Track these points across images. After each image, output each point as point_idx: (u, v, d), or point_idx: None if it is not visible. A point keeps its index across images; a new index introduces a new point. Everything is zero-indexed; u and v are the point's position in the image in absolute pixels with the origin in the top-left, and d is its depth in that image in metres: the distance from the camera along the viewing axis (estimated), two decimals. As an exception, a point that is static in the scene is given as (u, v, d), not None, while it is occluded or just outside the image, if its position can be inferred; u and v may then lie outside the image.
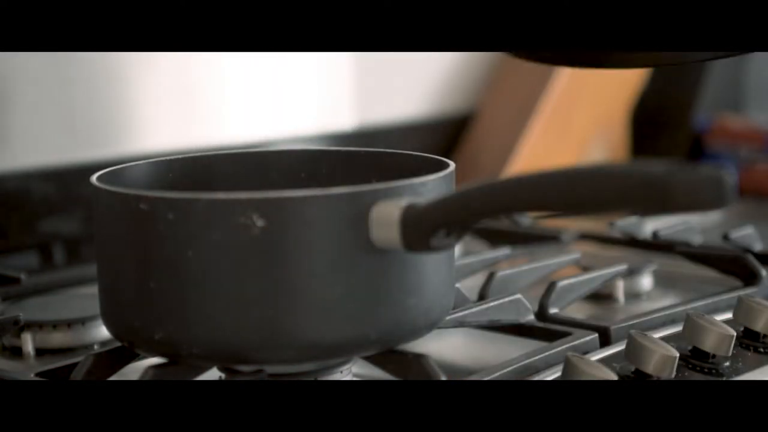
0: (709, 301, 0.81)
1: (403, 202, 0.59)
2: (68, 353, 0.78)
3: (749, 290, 0.83)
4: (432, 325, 0.65)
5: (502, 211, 0.65)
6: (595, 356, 0.71)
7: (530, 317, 0.78)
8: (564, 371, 0.65)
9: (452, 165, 0.65)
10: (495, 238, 1.03)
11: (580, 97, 1.38)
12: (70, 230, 1.08)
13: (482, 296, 0.81)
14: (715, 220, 1.15)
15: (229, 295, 0.59)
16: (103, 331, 0.79)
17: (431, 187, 0.62)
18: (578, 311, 0.84)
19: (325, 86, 1.23)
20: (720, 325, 0.71)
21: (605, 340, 0.74)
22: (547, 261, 0.88)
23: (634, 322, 0.76)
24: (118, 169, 0.69)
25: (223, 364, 0.64)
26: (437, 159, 0.68)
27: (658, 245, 0.99)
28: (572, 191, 0.55)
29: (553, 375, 0.68)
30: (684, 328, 0.72)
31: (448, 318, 0.69)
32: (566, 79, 1.34)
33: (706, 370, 0.70)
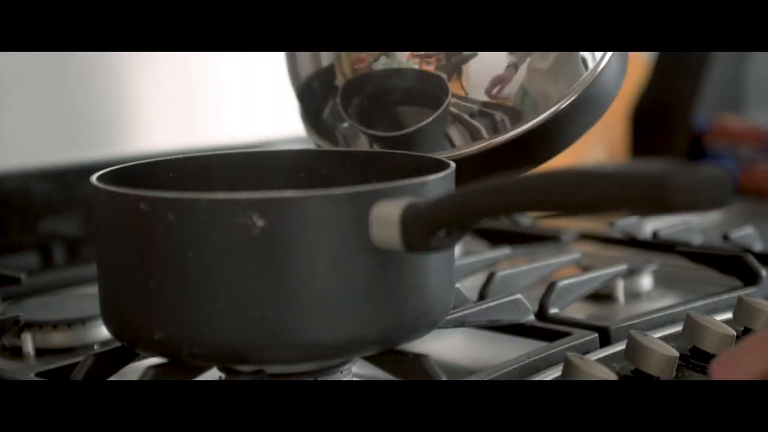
0: (709, 301, 0.81)
1: (403, 202, 0.59)
2: (68, 353, 0.78)
3: (749, 290, 0.83)
4: (432, 325, 0.65)
5: (502, 211, 0.65)
6: (595, 356, 0.71)
7: (530, 317, 0.78)
8: (564, 371, 0.65)
9: (452, 165, 0.65)
10: (495, 238, 1.03)
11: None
12: (70, 230, 1.08)
13: (482, 296, 0.81)
14: (715, 220, 1.15)
15: (229, 295, 0.59)
16: (103, 331, 0.79)
17: (431, 187, 0.62)
18: (578, 311, 0.85)
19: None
20: (720, 325, 0.71)
21: (605, 340, 0.74)
22: (547, 261, 0.88)
23: (634, 322, 0.76)
24: (118, 169, 0.69)
25: (223, 364, 0.64)
26: (437, 159, 0.68)
27: (658, 245, 0.99)
28: (572, 191, 0.55)
29: (553, 375, 0.68)
30: (684, 328, 0.72)
31: (448, 318, 0.69)
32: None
33: (706, 370, 0.70)
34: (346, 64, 0.75)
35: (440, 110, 0.74)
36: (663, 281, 0.95)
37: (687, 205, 0.52)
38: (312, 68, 0.79)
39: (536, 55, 0.74)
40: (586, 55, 0.75)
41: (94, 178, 0.65)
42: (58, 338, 0.80)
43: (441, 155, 0.72)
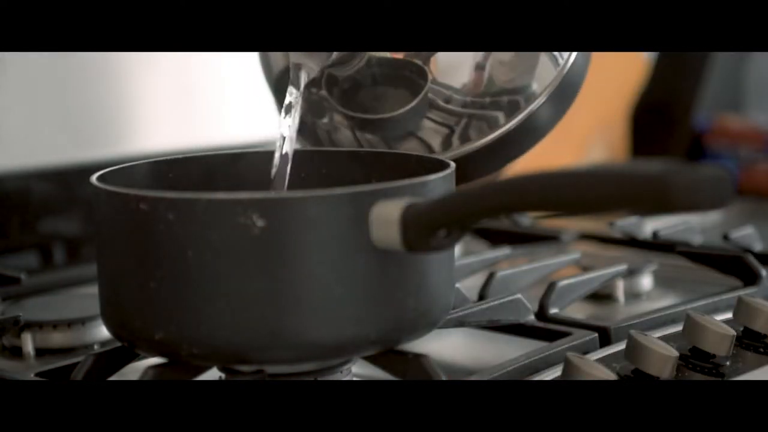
0: (709, 301, 0.81)
1: (403, 202, 0.59)
2: (68, 353, 0.78)
3: (749, 290, 0.83)
4: (432, 325, 0.65)
5: (502, 211, 0.65)
6: (595, 356, 0.71)
7: (530, 317, 0.78)
8: (564, 371, 0.65)
9: (452, 165, 0.65)
10: (495, 238, 1.03)
11: (580, 97, 1.38)
12: (70, 230, 1.08)
13: (482, 296, 0.81)
14: (715, 220, 1.15)
15: (229, 295, 0.59)
16: (103, 331, 0.79)
17: (431, 187, 0.62)
18: (578, 311, 0.85)
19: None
20: (720, 325, 0.71)
21: (605, 340, 0.74)
22: (547, 261, 0.88)
23: (634, 322, 0.76)
24: (118, 169, 0.69)
25: (223, 364, 0.64)
26: (437, 159, 0.68)
27: (658, 245, 0.99)
28: (572, 191, 0.55)
29: (553, 375, 0.68)
30: (684, 328, 0.72)
31: (448, 318, 0.69)
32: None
33: (706, 370, 0.70)
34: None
35: (420, 97, 0.74)
36: (663, 281, 0.94)
37: (687, 205, 0.52)
38: (285, 63, 0.79)
39: (508, 55, 0.74)
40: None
41: (94, 178, 0.65)
42: (58, 338, 0.80)
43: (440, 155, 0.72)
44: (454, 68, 0.74)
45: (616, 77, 1.44)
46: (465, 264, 0.88)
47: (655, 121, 1.53)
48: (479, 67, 0.74)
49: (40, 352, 0.79)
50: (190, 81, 1.15)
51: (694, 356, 0.71)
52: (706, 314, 0.73)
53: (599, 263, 0.89)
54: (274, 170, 0.71)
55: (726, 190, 0.53)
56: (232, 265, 0.59)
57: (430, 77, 0.74)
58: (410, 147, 0.76)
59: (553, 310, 0.79)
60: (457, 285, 0.75)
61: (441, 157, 0.72)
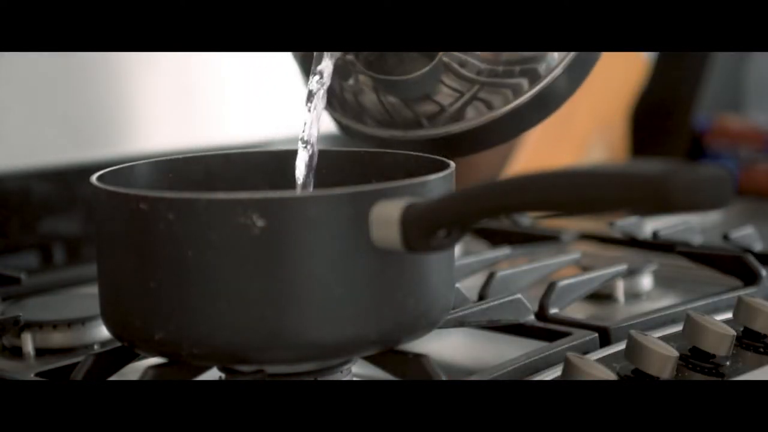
0: (709, 301, 0.81)
1: (403, 202, 0.59)
2: (68, 353, 0.78)
3: (749, 290, 0.83)
4: (432, 325, 0.65)
5: (502, 211, 0.65)
6: (595, 356, 0.71)
7: (530, 317, 0.78)
8: (564, 371, 0.65)
9: (452, 165, 0.65)
10: (495, 238, 1.03)
11: (580, 97, 1.38)
12: (70, 230, 1.08)
13: (482, 296, 0.81)
14: (715, 220, 1.15)
15: (229, 295, 0.59)
16: (103, 331, 0.79)
17: (431, 187, 0.62)
18: (578, 311, 0.85)
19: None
20: (720, 325, 0.71)
21: (605, 340, 0.74)
22: (547, 261, 0.88)
23: (634, 322, 0.76)
24: (118, 169, 0.69)
25: (223, 364, 0.64)
26: (437, 159, 0.68)
27: (658, 245, 0.99)
28: (572, 191, 0.55)
29: (553, 375, 0.68)
30: (684, 328, 0.72)
31: (448, 318, 0.69)
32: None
33: (706, 370, 0.70)
34: None
35: (436, 59, 0.74)
36: (663, 281, 0.94)
37: (687, 205, 0.52)
38: None
39: None
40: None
41: (94, 178, 0.65)
42: (58, 338, 0.80)
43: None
44: None
45: (616, 77, 1.44)
46: (465, 264, 0.88)
47: (655, 121, 1.53)
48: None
49: (40, 352, 0.79)
50: (190, 81, 1.15)
51: (694, 356, 0.71)
52: (706, 314, 0.73)
53: (599, 263, 0.89)
54: (302, 160, 0.72)
55: (726, 190, 0.53)
56: (232, 265, 0.59)
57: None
58: (429, 111, 0.76)
59: (553, 310, 0.79)
60: (457, 285, 0.75)
61: (456, 128, 0.72)
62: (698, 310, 0.75)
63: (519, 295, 0.77)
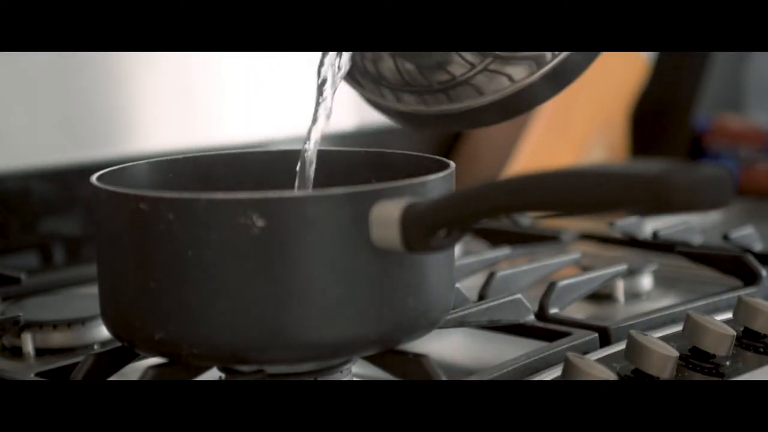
0: (709, 301, 0.81)
1: (403, 202, 0.59)
2: (68, 353, 0.78)
3: (749, 290, 0.83)
4: (432, 325, 0.65)
5: (502, 211, 0.65)
6: (595, 356, 0.71)
7: (530, 317, 0.78)
8: (564, 371, 0.65)
9: (452, 165, 0.65)
10: (495, 238, 1.03)
11: (580, 97, 1.38)
12: (70, 230, 1.08)
13: (482, 296, 0.81)
14: (715, 220, 1.15)
15: (229, 295, 0.59)
16: (103, 331, 0.79)
17: (431, 187, 0.62)
18: (578, 311, 0.85)
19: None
20: (720, 325, 0.71)
21: (605, 340, 0.74)
22: (547, 261, 0.88)
23: (634, 322, 0.76)
24: (118, 169, 0.69)
25: (223, 364, 0.64)
26: (437, 159, 0.68)
27: (658, 245, 0.99)
28: (572, 191, 0.55)
29: (553, 375, 0.68)
30: (684, 328, 0.72)
31: (448, 318, 0.69)
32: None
33: (706, 370, 0.70)
34: None
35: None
36: (663, 281, 0.95)
37: (687, 205, 0.52)
38: None
39: None
40: None
41: (94, 178, 0.65)
42: (58, 338, 0.80)
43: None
44: None
45: (616, 77, 1.44)
46: (465, 264, 0.88)
47: (655, 121, 1.53)
48: None
49: (40, 352, 0.79)
50: (190, 81, 1.15)
51: (694, 356, 0.71)
52: (706, 314, 0.73)
53: (599, 263, 0.89)
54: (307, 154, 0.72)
55: (726, 190, 0.53)
56: (232, 266, 0.59)
57: None
58: (443, 80, 0.76)
59: (553, 310, 0.79)
60: (457, 285, 0.75)
61: (478, 101, 0.72)
62: (698, 310, 0.75)
63: (519, 295, 0.77)
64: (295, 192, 0.60)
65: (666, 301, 0.90)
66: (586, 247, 1.02)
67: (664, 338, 0.71)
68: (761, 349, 0.74)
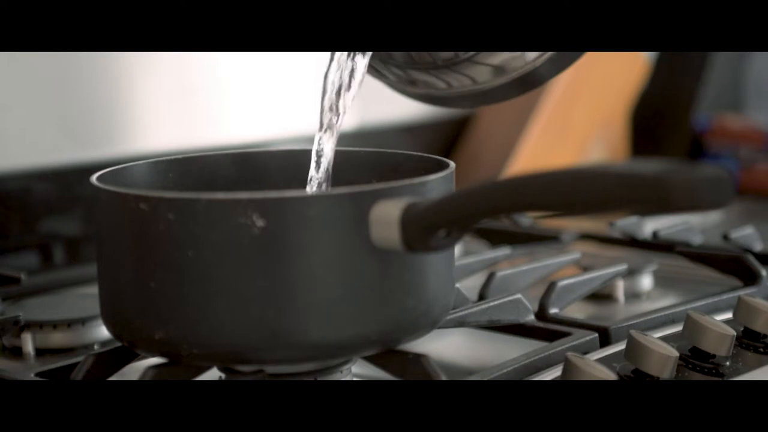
0: (709, 301, 0.81)
1: (403, 202, 0.59)
2: (68, 353, 0.78)
3: (749, 290, 0.83)
4: (432, 325, 0.65)
5: (502, 211, 0.65)
6: (595, 356, 0.71)
7: (530, 317, 0.78)
8: (564, 371, 0.65)
9: (452, 165, 0.65)
10: (495, 238, 1.03)
11: (580, 97, 1.38)
12: (70, 230, 1.08)
13: (482, 296, 0.81)
14: (715, 220, 1.15)
15: (229, 295, 0.59)
16: (103, 331, 0.79)
17: (431, 187, 0.62)
18: (578, 311, 0.85)
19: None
20: (720, 325, 0.71)
21: (605, 340, 0.74)
22: (547, 261, 0.88)
23: (634, 322, 0.76)
24: (118, 169, 0.69)
25: (223, 364, 0.64)
26: (437, 159, 0.68)
27: (658, 245, 0.99)
28: (572, 191, 0.55)
29: (553, 375, 0.68)
30: (684, 328, 0.72)
31: (448, 318, 0.69)
32: (566, 78, 1.34)
33: (706, 370, 0.70)
34: None
35: None
36: (663, 281, 0.94)
37: (687, 205, 0.52)
38: None
39: None
40: None
41: (94, 178, 0.65)
42: (58, 338, 0.80)
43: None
44: None
45: (616, 77, 1.44)
46: (465, 264, 0.88)
47: (655, 121, 1.53)
48: None
49: (40, 352, 0.79)
50: (190, 81, 1.15)
51: (694, 356, 0.71)
52: (706, 314, 0.73)
53: (599, 263, 0.89)
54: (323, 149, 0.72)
55: (726, 190, 0.53)
56: (232, 265, 0.59)
57: None
58: (447, 57, 0.76)
59: (553, 310, 0.79)
60: (457, 285, 0.75)
61: (497, 81, 0.72)
62: (698, 310, 0.75)
63: (519, 295, 0.77)
64: (295, 192, 0.60)
65: (666, 301, 0.90)
66: (586, 247, 1.02)
67: (664, 338, 0.71)
68: (761, 349, 0.74)
